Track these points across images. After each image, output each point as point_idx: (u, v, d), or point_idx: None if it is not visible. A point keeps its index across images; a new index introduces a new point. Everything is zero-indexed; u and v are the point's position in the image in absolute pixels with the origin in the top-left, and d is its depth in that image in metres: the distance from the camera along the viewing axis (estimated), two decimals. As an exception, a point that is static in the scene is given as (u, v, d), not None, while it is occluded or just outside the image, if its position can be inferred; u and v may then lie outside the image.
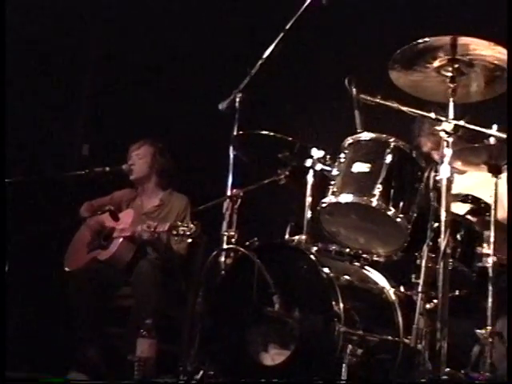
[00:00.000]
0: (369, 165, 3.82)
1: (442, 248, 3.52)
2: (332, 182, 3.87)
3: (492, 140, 3.73)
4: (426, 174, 3.82)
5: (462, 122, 3.71)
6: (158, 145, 5.64)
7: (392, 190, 3.77)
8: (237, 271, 4.00)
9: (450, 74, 3.76)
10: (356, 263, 4.03)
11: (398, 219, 3.73)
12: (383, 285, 3.93)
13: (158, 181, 5.63)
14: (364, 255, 4.03)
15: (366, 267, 4.02)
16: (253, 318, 3.82)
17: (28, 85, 5.93)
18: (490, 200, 3.78)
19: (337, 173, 3.88)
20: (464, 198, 4.01)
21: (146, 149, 5.61)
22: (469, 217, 4.01)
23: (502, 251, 3.73)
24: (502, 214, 4.21)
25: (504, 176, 4.29)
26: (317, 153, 3.99)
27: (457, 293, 3.79)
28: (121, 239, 5.22)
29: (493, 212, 3.75)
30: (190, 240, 4.83)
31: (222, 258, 4.21)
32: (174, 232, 4.81)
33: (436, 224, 3.63)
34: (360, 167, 3.83)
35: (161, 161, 5.60)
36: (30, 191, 5.34)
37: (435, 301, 3.57)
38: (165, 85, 6.42)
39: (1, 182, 4.35)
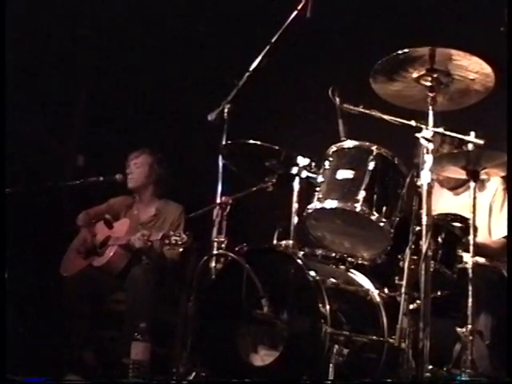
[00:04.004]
0: (352, 171, 3.90)
1: (424, 251, 3.59)
2: (317, 189, 3.95)
3: (470, 146, 3.86)
4: (407, 180, 3.89)
5: (441, 129, 3.84)
6: (156, 154, 5.66)
7: (375, 196, 3.85)
8: (227, 275, 4.09)
9: (428, 84, 3.84)
10: (341, 266, 4.12)
11: (382, 223, 3.82)
12: (368, 287, 4.01)
13: (154, 190, 5.66)
14: (349, 259, 4.11)
15: (352, 270, 4.11)
16: (243, 321, 3.89)
17: (24, 97, 5.96)
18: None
19: (322, 180, 3.96)
20: (453, 218, 4.09)
21: (145, 158, 5.63)
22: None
23: None
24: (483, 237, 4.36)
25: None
26: (302, 161, 4.08)
27: (438, 293, 3.87)
28: (115, 247, 5.28)
29: (471, 215, 3.87)
30: (181, 249, 4.89)
31: (213, 263, 4.29)
32: (167, 241, 4.87)
33: (418, 228, 3.69)
34: (344, 174, 3.91)
35: (158, 171, 5.62)
36: (26, 201, 5.38)
37: (418, 301, 3.65)
38: (156, 97, 6.45)
39: (1, 191, 4.42)
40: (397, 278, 3.85)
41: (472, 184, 3.91)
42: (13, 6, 4.84)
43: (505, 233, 4.35)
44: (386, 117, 3.88)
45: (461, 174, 4.00)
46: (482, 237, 4.34)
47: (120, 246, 5.28)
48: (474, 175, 3.93)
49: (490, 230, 4.51)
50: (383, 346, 3.78)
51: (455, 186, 4.68)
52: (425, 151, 3.73)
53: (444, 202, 4.60)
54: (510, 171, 3.86)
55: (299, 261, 3.84)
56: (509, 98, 3.89)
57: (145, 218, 5.64)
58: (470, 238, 3.83)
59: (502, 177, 4.40)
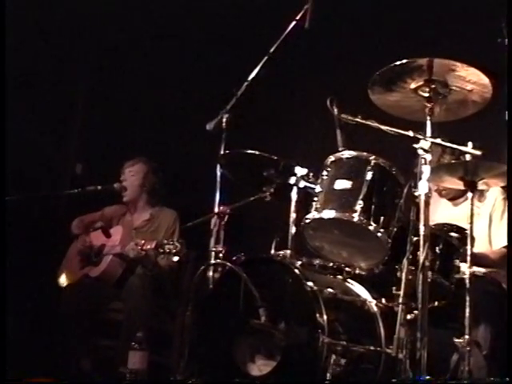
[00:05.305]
0: (350, 182, 3.89)
1: (421, 261, 3.60)
2: (315, 199, 3.94)
3: (468, 157, 3.87)
4: (405, 190, 3.89)
5: (438, 140, 3.85)
6: (152, 164, 5.68)
7: (373, 206, 3.84)
8: (224, 285, 4.08)
9: (426, 95, 3.87)
10: (339, 276, 4.11)
11: (379, 234, 3.81)
12: (365, 297, 4.01)
13: (147, 199, 5.67)
14: (347, 269, 4.11)
15: (349, 280, 4.10)
16: (240, 330, 3.89)
17: (21, 105, 5.98)
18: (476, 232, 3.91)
19: (320, 190, 3.96)
20: (450, 228, 4.08)
21: (140, 167, 5.66)
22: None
23: None
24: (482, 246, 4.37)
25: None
26: (300, 171, 4.08)
27: (436, 304, 3.86)
28: (111, 256, 5.27)
29: (469, 226, 3.88)
30: (176, 258, 4.86)
31: (210, 273, 4.30)
32: (161, 250, 4.86)
33: (415, 238, 3.69)
34: (342, 184, 3.91)
35: (152, 180, 5.64)
36: (24, 209, 5.39)
37: (415, 312, 3.63)
38: (155, 106, 6.48)
39: (1, 200, 4.43)
40: (394, 288, 3.84)
41: (470, 194, 3.92)
42: (10, 7, 4.85)
43: (505, 242, 4.35)
44: (383, 127, 3.89)
45: (458, 185, 4.01)
46: (482, 247, 4.37)
47: (115, 256, 5.27)
48: (471, 186, 3.94)
49: (490, 240, 4.52)
50: (380, 356, 3.78)
51: (454, 197, 4.69)
52: (422, 162, 3.74)
53: (443, 213, 4.60)
54: (510, 181, 3.86)
55: (297, 271, 3.84)
56: (509, 108, 3.89)
57: (138, 223, 5.64)
58: (468, 248, 3.84)
59: (502, 187, 4.40)
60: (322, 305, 3.69)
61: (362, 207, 3.82)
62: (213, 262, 4.33)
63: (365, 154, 3.97)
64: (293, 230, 4.07)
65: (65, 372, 4.89)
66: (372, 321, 3.91)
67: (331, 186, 3.93)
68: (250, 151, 4.17)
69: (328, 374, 3.60)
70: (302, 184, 4.07)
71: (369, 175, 3.89)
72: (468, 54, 3.83)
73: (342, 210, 3.85)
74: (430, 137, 3.81)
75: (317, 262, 4.10)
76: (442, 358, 3.92)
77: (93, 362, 5.04)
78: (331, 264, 4.12)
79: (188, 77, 6.28)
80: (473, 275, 3.79)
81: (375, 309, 3.95)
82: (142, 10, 6.28)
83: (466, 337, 3.70)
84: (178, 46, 6.32)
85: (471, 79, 3.82)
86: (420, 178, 3.73)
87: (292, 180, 4.10)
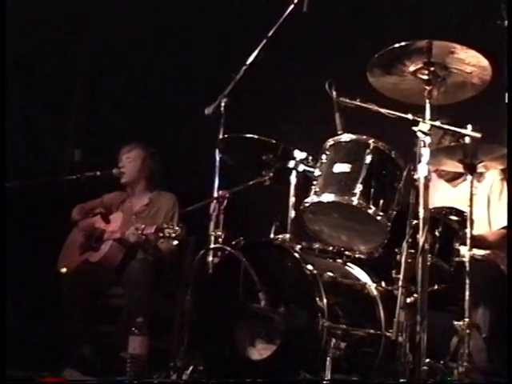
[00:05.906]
0: (349, 165, 3.88)
1: (421, 244, 3.59)
2: (314, 183, 3.93)
3: (467, 139, 3.87)
4: (404, 173, 3.88)
5: (438, 123, 3.84)
6: (149, 149, 5.68)
7: (372, 189, 3.83)
8: (224, 269, 4.09)
9: (425, 77, 3.85)
10: (339, 260, 4.12)
11: (379, 217, 3.80)
12: (365, 280, 4.01)
13: (146, 184, 5.68)
14: (346, 252, 4.11)
15: (349, 264, 4.10)
16: (240, 315, 3.89)
17: (20, 92, 5.97)
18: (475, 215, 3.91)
19: (319, 173, 3.95)
20: (449, 211, 4.07)
21: (137, 152, 5.65)
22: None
23: None
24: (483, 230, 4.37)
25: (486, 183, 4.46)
26: (299, 154, 4.09)
27: (435, 287, 3.86)
28: (111, 241, 5.29)
29: (469, 209, 3.88)
30: (176, 242, 4.88)
31: (210, 257, 4.30)
32: (161, 234, 4.85)
33: (415, 221, 3.69)
34: (341, 167, 3.89)
35: (150, 165, 5.64)
36: (23, 196, 5.39)
37: (415, 295, 3.63)
38: (154, 91, 6.47)
39: (1, 186, 4.44)
40: (394, 271, 3.85)
41: (469, 177, 3.92)
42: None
43: (504, 222, 4.34)
44: (382, 110, 3.87)
45: (458, 168, 4.00)
46: (481, 229, 4.37)
47: (115, 241, 5.28)
48: (470, 168, 3.94)
49: (489, 222, 4.52)
50: (380, 340, 3.79)
51: (453, 178, 4.68)
52: (422, 145, 3.73)
53: (442, 194, 4.61)
54: (511, 163, 3.85)
55: (296, 254, 3.84)
56: (509, 90, 3.88)
57: (137, 208, 5.65)
58: (467, 231, 3.83)
59: (501, 169, 4.40)
60: (321, 288, 3.70)
61: (361, 191, 3.81)
62: (212, 246, 4.33)
63: (364, 137, 3.95)
64: (292, 213, 4.07)
65: (66, 358, 4.91)
66: (372, 304, 3.92)
67: (330, 170, 3.92)
68: (248, 135, 4.17)
69: (328, 358, 3.59)
70: (301, 168, 4.07)
71: (368, 158, 3.88)
72: (467, 36, 3.81)
73: (341, 193, 3.85)
74: (430, 119, 3.79)
75: (316, 245, 4.10)
76: (442, 341, 3.94)
77: (93, 348, 5.05)
78: (331, 248, 4.12)
79: (186, 61, 6.26)
80: (472, 258, 3.80)
81: (375, 292, 3.96)
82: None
83: (466, 320, 3.71)
84: (176, 31, 6.30)
85: (471, 61, 3.81)
86: (419, 161, 3.72)
87: (291, 164, 4.10)
